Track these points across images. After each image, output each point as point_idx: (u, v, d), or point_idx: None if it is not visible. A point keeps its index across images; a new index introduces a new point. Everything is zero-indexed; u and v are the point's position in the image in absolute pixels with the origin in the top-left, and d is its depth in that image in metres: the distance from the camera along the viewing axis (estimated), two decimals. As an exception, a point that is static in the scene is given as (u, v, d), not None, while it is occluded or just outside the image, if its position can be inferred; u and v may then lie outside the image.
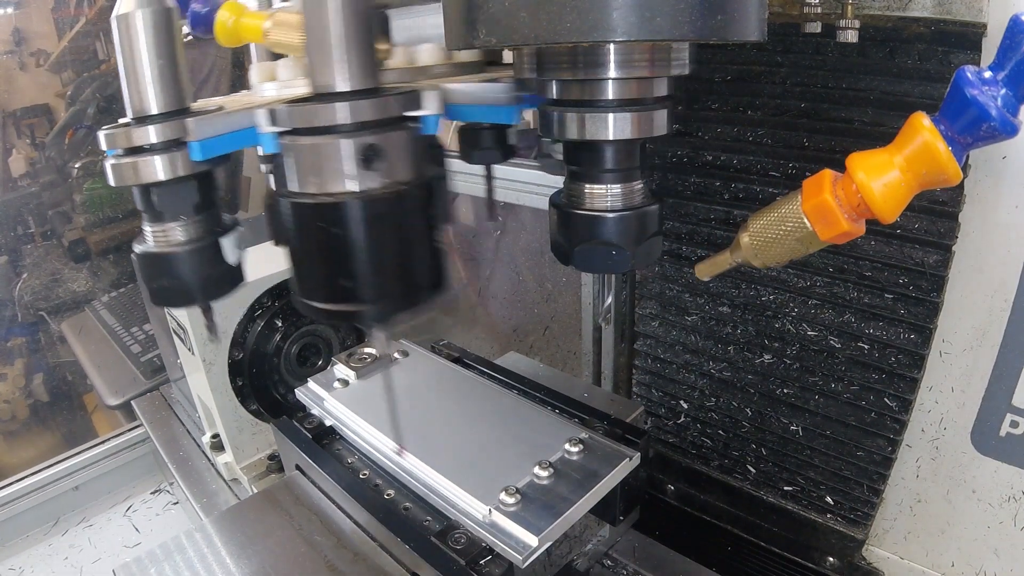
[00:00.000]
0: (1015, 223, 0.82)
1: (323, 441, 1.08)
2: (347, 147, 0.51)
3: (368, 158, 0.51)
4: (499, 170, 1.51)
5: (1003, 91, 0.57)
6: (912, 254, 0.89)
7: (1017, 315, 0.85)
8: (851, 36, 0.74)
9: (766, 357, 1.06)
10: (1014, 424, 0.88)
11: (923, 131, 0.59)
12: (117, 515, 1.57)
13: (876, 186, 0.60)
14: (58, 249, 1.81)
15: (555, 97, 0.64)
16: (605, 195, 0.66)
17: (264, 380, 1.31)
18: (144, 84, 0.54)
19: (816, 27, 0.79)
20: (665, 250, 1.13)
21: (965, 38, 0.78)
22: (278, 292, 1.29)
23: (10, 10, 1.69)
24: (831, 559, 1.07)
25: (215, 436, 1.39)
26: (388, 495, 0.97)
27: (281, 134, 0.54)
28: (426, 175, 0.57)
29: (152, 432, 1.62)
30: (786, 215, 0.66)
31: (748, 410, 1.10)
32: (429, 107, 0.58)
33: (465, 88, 0.68)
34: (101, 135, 0.55)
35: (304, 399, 1.15)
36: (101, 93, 1.95)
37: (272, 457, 1.34)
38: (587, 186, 0.66)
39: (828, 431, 1.02)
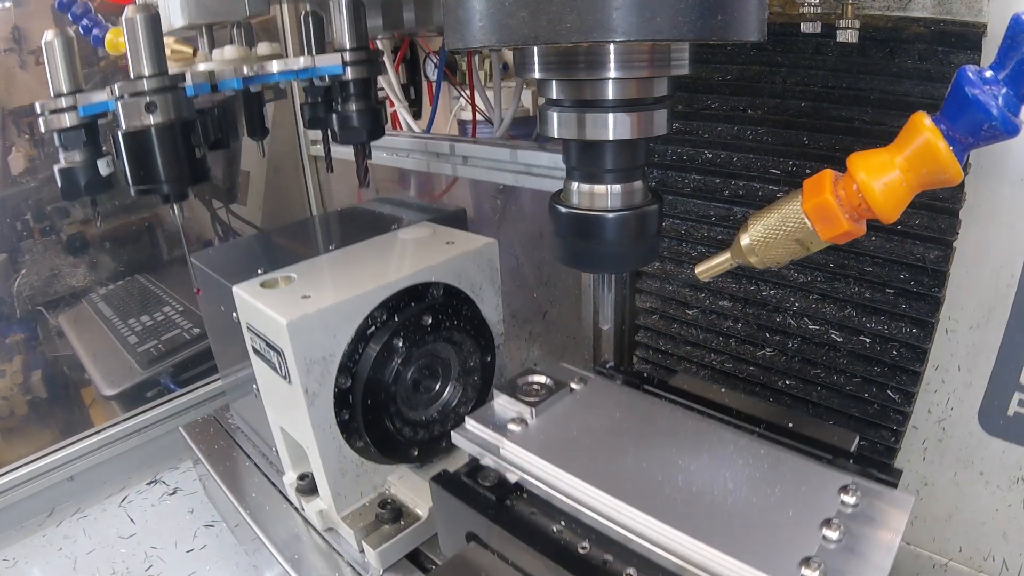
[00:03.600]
0: (1021, 199, 0.81)
1: (505, 502, 0.85)
2: (139, 101, 0.85)
3: (148, 107, 0.85)
4: (497, 152, 1.50)
5: (1004, 90, 0.56)
6: (913, 250, 0.89)
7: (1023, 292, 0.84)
8: (851, 36, 0.74)
9: (767, 350, 1.05)
10: (1022, 403, 0.87)
11: (924, 131, 0.58)
12: (112, 506, 1.57)
13: (877, 186, 0.60)
14: (57, 245, 1.81)
15: (555, 97, 0.64)
16: (605, 195, 0.66)
17: (379, 412, 1.08)
18: (59, 78, 0.92)
19: (816, 27, 0.78)
20: (665, 247, 1.13)
21: (965, 38, 0.78)
22: (395, 305, 1.08)
23: (8, 4, 1.68)
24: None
25: (303, 477, 1.20)
26: (628, 576, 0.73)
27: (117, 99, 0.86)
28: (187, 117, 0.89)
29: (212, 469, 1.39)
30: (787, 215, 0.65)
31: (749, 403, 1.10)
32: (189, 80, 0.90)
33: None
34: (37, 105, 0.94)
35: (466, 446, 0.92)
36: (101, 88, 1.95)
37: (384, 504, 1.12)
38: (587, 186, 0.67)
39: (831, 423, 1.01)
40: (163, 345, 1.90)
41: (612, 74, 0.59)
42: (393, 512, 1.10)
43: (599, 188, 0.66)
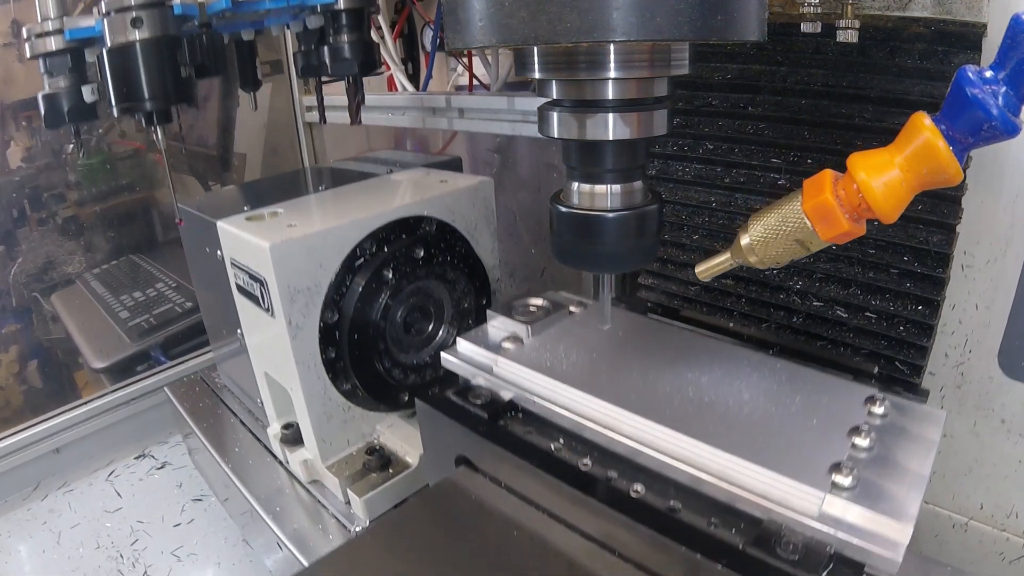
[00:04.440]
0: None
1: (499, 421, 0.78)
2: (125, 17, 0.86)
3: (134, 22, 0.86)
4: (494, 101, 1.46)
5: (1004, 90, 0.56)
6: (916, 234, 0.86)
7: (1042, 223, 0.80)
8: (851, 36, 0.73)
9: (772, 325, 1.02)
10: (1044, 342, 0.83)
11: (924, 131, 0.59)
12: (99, 480, 1.57)
13: (877, 185, 0.60)
14: (54, 232, 1.80)
15: (555, 97, 0.64)
16: (605, 195, 0.66)
17: (367, 351, 1.03)
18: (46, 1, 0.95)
19: (816, 27, 0.78)
20: (667, 233, 1.11)
21: (965, 38, 0.77)
22: (384, 236, 1.03)
23: (5, -7, 1.66)
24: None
25: (287, 427, 1.15)
26: (636, 492, 0.67)
27: (104, 15, 0.87)
28: (174, 34, 0.90)
29: (195, 426, 1.36)
30: (786, 215, 0.65)
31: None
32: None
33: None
34: (24, 30, 0.98)
35: (457, 366, 0.86)
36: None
37: (371, 451, 1.08)
38: (587, 186, 0.67)
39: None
40: (154, 319, 1.90)
41: (612, 74, 0.58)
42: (381, 460, 1.06)
43: (599, 188, 0.66)
